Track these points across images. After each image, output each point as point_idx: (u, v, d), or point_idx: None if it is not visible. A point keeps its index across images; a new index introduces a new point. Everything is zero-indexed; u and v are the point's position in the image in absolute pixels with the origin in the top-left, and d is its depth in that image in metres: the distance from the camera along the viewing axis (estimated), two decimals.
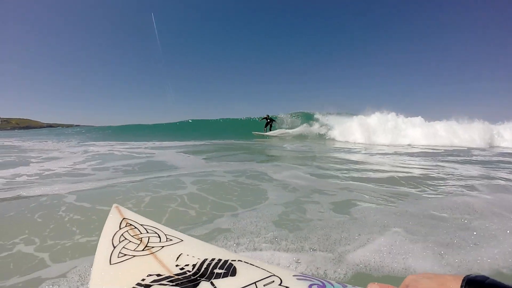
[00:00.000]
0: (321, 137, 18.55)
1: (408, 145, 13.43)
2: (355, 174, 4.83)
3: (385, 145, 12.82)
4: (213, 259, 1.24)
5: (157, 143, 12.40)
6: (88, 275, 1.70)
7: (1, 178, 4.53)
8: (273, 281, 1.10)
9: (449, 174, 4.97)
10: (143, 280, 1.09)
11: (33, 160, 6.81)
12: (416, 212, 2.83)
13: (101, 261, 1.21)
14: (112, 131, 29.84)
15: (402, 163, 6.44)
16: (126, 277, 1.11)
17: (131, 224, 1.46)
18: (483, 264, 1.85)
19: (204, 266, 1.19)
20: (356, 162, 6.48)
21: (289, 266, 1.78)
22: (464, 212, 2.83)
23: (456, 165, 6.21)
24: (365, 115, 18.02)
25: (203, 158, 6.93)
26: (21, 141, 16.32)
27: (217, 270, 1.17)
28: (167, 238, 1.39)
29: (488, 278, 0.65)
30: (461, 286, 0.65)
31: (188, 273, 1.14)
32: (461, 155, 8.71)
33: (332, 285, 1.06)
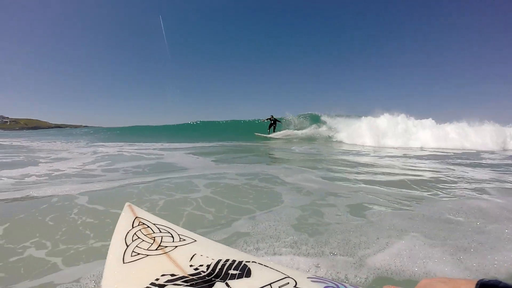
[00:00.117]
0: (328, 139, 18.07)
1: (420, 148, 13.13)
2: (367, 177, 4.79)
3: (395, 148, 12.65)
4: (227, 260, 1.23)
5: (165, 145, 12.46)
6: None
7: (10, 178, 4.53)
8: (288, 283, 1.09)
9: (459, 178, 4.92)
10: (157, 279, 1.07)
11: (42, 160, 6.83)
12: (432, 216, 2.81)
13: (114, 260, 1.20)
14: (120, 131, 30.02)
15: (413, 166, 6.39)
16: (139, 277, 1.10)
17: (143, 223, 1.45)
18: (499, 268, 1.83)
19: (219, 267, 1.18)
20: (367, 165, 6.43)
21: (308, 270, 1.76)
22: (479, 216, 2.80)
23: (466, 168, 6.14)
24: (374, 117, 17.50)
25: (212, 160, 6.92)
26: (29, 141, 16.43)
27: (231, 271, 1.15)
28: (180, 238, 1.38)
29: (501, 282, 0.65)
30: None
31: (203, 274, 1.12)
32: (471, 158, 8.61)
33: (345, 287, 1.05)
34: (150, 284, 1.05)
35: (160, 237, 1.36)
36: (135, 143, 13.50)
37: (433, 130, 15.13)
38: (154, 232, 1.40)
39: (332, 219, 2.71)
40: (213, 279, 1.09)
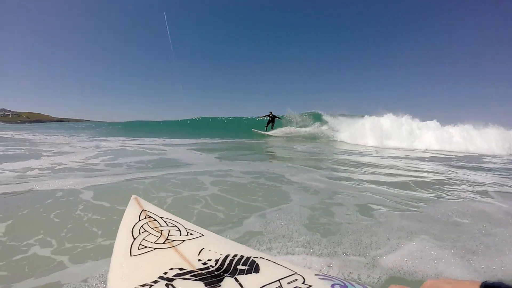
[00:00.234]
0: (330, 138, 17.80)
1: (424, 150, 12.97)
2: (371, 178, 4.79)
3: (397, 149, 12.57)
4: (235, 255, 1.22)
5: (167, 140, 12.47)
6: None
7: (12, 171, 4.47)
8: (296, 279, 1.09)
9: (463, 180, 4.94)
10: (165, 273, 1.07)
11: (44, 153, 6.76)
12: (439, 218, 2.82)
13: (121, 252, 1.20)
14: (122, 126, 30.04)
15: (416, 168, 6.38)
16: (147, 270, 1.09)
17: (150, 216, 1.44)
18: (507, 271, 1.84)
19: (227, 262, 1.17)
20: (370, 165, 6.42)
21: (321, 270, 1.74)
22: (484, 220, 2.81)
23: (469, 172, 6.14)
24: (377, 116, 17.21)
25: (215, 157, 6.89)
26: (31, 134, 16.26)
27: (240, 267, 1.14)
28: (187, 232, 1.37)
29: (504, 284, 0.66)
30: None
31: (211, 268, 1.12)
32: (473, 161, 8.59)
33: (353, 285, 1.05)
34: (158, 277, 1.04)
35: (167, 231, 1.35)
36: (137, 138, 13.49)
37: (438, 132, 14.89)
38: (161, 226, 1.39)
39: (342, 219, 2.70)
40: (222, 274, 1.09)
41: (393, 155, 9.27)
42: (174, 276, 1.05)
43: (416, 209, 3.09)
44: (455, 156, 10.33)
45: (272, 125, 20.28)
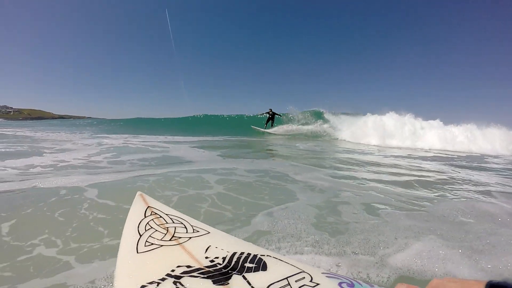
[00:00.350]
0: (332, 137, 17.66)
1: (428, 149, 12.90)
2: (375, 177, 4.79)
3: (400, 148, 12.51)
4: (242, 253, 1.21)
5: (169, 137, 12.45)
6: None
7: (15, 168, 4.45)
8: (304, 277, 1.09)
9: (465, 180, 4.95)
10: (172, 271, 1.06)
11: (46, 150, 6.75)
12: (445, 218, 2.83)
13: (127, 249, 1.19)
14: (123, 123, 30.01)
15: (419, 167, 6.37)
16: (154, 267, 1.08)
17: (156, 213, 1.44)
18: None
19: (234, 259, 1.16)
20: (373, 164, 6.41)
21: (330, 269, 1.73)
22: (489, 220, 2.82)
23: (471, 172, 6.14)
24: (379, 115, 17.05)
25: (218, 155, 6.88)
26: (33, 131, 16.18)
27: (247, 264, 1.14)
28: (193, 229, 1.37)
29: (509, 283, 0.67)
30: None
31: (219, 266, 1.11)
32: (476, 161, 8.58)
33: (360, 284, 1.05)
34: (165, 275, 1.03)
35: (174, 228, 1.35)
36: (139, 135, 13.48)
37: (440, 132, 14.71)
38: (167, 223, 1.38)
39: (349, 218, 2.70)
40: (229, 271, 1.08)
41: (396, 154, 9.26)
42: (181, 273, 1.04)
43: (421, 209, 3.08)
44: (457, 156, 10.30)
45: (272, 122, 19.83)
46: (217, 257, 1.16)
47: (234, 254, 1.20)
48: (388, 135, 14.92)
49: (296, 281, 1.05)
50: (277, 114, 20.00)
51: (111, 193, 3.21)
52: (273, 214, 2.73)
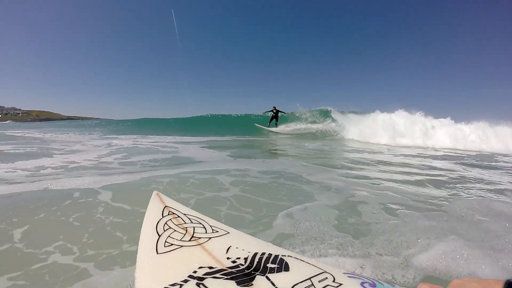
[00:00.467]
0: (340, 136, 17.49)
1: (438, 148, 12.71)
2: (389, 176, 4.75)
3: (410, 147, 12.36)
4: (263, 253, 1.20)
5: (178, 138, 12.47)
6: None
7: (25, 170, 4.42)
8: (326, 277, 1.07)
9: (479, 179, 4.89)
10: (195, 272, 1.04)
11: (56, 152, 6.76)
12: (464, 217, 2.81)
13: (147, 250, 1.18)
14: (131, 124, 30.13)
15: (431, 166, 6.32)
16: (175, 268, 1.07)
17: (173, 213, 1.42)
18: None
19: (256, 260, 1.15)
20: (385, 164, 6.36)
21: (354, 271, 1.72)
22: (506, 219, 2.78)
23: (482, 171, 6.07)
24: (388, 113, 16.66)
25: (228, 155, 6.86)
26: (42, 132, 16.18)
27: (270, 265, 1.12)
28: (212, 230, 1.35)
29: None
30: None
31: (242, 267, 1.09)
32: (486, 160, 8.46)
33: (382, 284, 1.04)
34: (188, 276, 1.02)
35: (192, 228, 1.33)
36: (148, 136, 13.52)
37: (451, 130, 14.38)
38: (185, 223, 1.37)
39: (370, 219, 2.67)
40: (252, 272, 1.06)
41: (406, 153, 9.16)
42: (204, 275, 1.03)
43: (439, 208, 3.06)
44: (467, 154, 10.15)
45: (276, 120, 19.32)
46: (238, 258, 1.15)
47: (255, 254, 1.18)
48: (398, 133, 14.64)
49: (319, 281, 1.04)
50: (281, 112, 19.55)
51: (125, 195, 3.14)
52: (293, 216, 2.68)
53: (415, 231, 2.38)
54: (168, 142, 10.11)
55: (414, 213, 2.85)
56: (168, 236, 1.25)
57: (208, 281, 0.99)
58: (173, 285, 0.97)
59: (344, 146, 11.36)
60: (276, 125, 19.37)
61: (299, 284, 1.01)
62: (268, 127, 19.28)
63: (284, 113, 19.88)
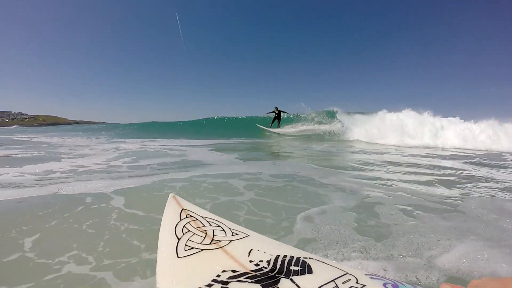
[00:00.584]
0: (347, 137, 17.28)
1: (447, 148, 12.54)
2: (401, 177, 4.72)
3: (418, 147, 12.25)
4: (285, 256, 1.18)
5: (185, 141, 12.45)
6: None
7: (33, 174, 4.38)
8: (350, 279, 1.07)
9: (491, 179, 4.86)
10: (218, 276, 1.03)
11: (64, 156, 6.74)
12: (480, 217, 2.78)
13: (167, 253, 1.16)
14: (138, 127, 30.22)
15: (442, 166, 6.28)
16: (198, 272, 1.05)
17: (191, 216, 1.41)
18: None
19: (279, 262, 1.13)
20: (395, 164, 6.32)
21: (377, 273, 1.71)
22: None
23: (491, 170, 6.02)
24: (395, 112, 16.44)
25: (236, 158, 6.84)
26: (49, 137, 16.17)
27: (293, 267, 1.11)
28: (232, 233, 1.33)
29: None
30: None
31: (265, 270, 1.08)
32: (495, 159, 8.35)
33: (404, 285, 1.04)
34: (212, 280, 1.00)
35: (212, 231, 1.32)
36: (156, 139, 13.51)
37: (459, 129, 14.18)
38: (204, 226, 1.35)
39: (389, 220, 2.63)
40: (277, 275, 1.05)
41: (414, 154, 9.09)
42: (228, 278, 1.02)
43: (454, 209, 3.03)
44: (475, 154, 10.04)
45: (279, 121, 19.25)
46: (261, 261, 1.13)
47: (277, 257, 1.16)
48: (406, 133, 14.48)
49: (343, 283, 1.03)
50: (283, 112, 19.40)
51: (139, 200, 3.07)
52: (312, 219, 2.64)
53: (434, 231, 2.36)
54: (176, 145, 10.11)
55: (431, 214, 2.82)
56: (188, 239, 1.23)
57: (232, 285, 0.97)
58: None
59: (352, 148, 11.28)
60: (279, 126, 19.25)
61: (324, 286, 1.01)
62: (270, 128, 19.17)
63: (286, 113, 19.79)
